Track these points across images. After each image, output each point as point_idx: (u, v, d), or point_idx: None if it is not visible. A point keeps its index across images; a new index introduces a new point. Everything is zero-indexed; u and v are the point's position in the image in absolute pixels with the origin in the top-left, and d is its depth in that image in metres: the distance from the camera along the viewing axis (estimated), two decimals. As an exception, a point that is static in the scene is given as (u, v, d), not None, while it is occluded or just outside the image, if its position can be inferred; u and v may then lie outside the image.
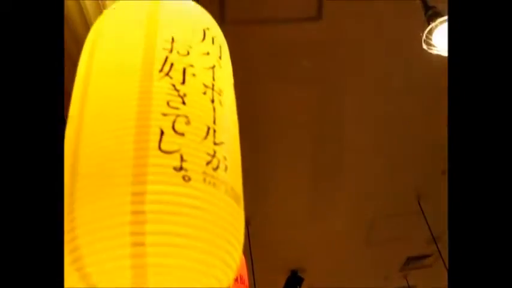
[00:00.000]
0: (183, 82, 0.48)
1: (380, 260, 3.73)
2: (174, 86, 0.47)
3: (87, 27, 1.05)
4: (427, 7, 1.24)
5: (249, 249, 2.68)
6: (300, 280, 3.54)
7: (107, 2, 1.00)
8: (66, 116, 0.50)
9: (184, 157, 0.43)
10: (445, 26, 1.19)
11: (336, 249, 3.56)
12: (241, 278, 1.24)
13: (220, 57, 0.56)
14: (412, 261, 3.90)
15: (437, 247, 3.28)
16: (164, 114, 0.45)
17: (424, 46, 1.27)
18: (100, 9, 1.01)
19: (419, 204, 3.26)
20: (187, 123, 0.45)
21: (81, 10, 1.02)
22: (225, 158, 0.47)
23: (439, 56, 1.31)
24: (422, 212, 3.21)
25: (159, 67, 0.48)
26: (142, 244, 0.40)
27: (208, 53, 0.54)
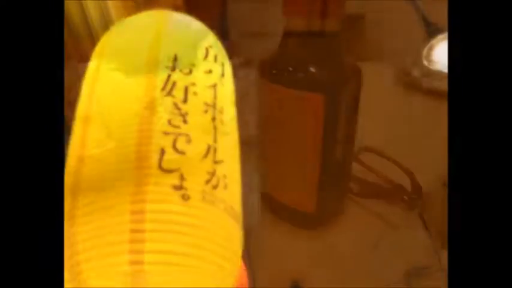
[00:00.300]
0: (185, 101, 0.49)
1: (382, 271, 3.70)
2: (175, 104, 0.48)
3: (87, 27, 1.05)
4: (427, 24, 1.26)
5: (250, 261, 2.66)
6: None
7: (108, 2, 1.01)
8: (65, 117, 0.50)
9: (184, 176, 0.44)
10: (446, 42, 1.21)
11: (339, 260, 3.54)
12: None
13: (222, 75, 0.56)
14: (415, 271, 3.87)
15: (439, 258, 3.26)
16: (165, 133, 0.46)
17: (425, 62, 1.28)
18: (100, 9, 1.02)
19: (422, 214, 3.24)
20: (188, 141, 0.46)
21: (81, 10, 1.03)
22: (224, 176, 0.47)
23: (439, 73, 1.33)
24: (424, 222, 3.20)
25: (161, 85, 0.49)
26: (141, 263, 0.40)
27: (210, 71, 0.54)
